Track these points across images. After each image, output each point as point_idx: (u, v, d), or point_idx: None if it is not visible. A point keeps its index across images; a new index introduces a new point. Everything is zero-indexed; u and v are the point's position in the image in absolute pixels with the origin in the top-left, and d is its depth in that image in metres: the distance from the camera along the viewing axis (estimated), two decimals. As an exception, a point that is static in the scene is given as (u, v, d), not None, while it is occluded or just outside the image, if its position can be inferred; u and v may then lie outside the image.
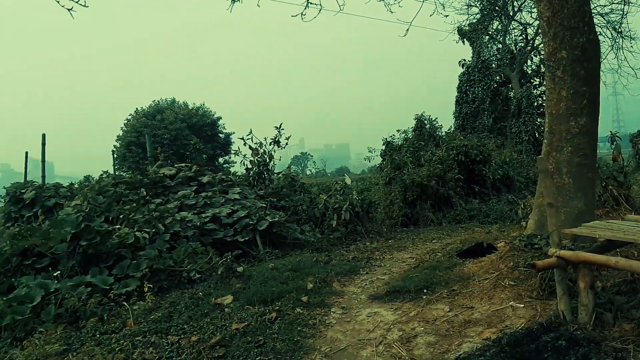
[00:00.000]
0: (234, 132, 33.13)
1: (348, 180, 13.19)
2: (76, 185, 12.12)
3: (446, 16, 28.24)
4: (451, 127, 20.35)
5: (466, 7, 21.01)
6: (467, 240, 7.86)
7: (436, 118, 17.49)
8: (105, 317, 5.29)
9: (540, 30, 8.43)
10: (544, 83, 6.43)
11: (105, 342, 4.60)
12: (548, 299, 4.52)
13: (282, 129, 11.03)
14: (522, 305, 4.57)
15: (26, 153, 16.16)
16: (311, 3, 8.36)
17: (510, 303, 4.66)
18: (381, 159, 14.54)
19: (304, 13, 8.52)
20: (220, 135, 33.12)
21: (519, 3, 25.56)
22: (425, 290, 5.45)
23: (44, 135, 15.04)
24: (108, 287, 5.93)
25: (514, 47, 26.64)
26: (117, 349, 4.39)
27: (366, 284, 6.21)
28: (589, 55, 5.78)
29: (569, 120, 5.79)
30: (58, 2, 6.12)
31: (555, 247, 3.99)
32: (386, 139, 14.92)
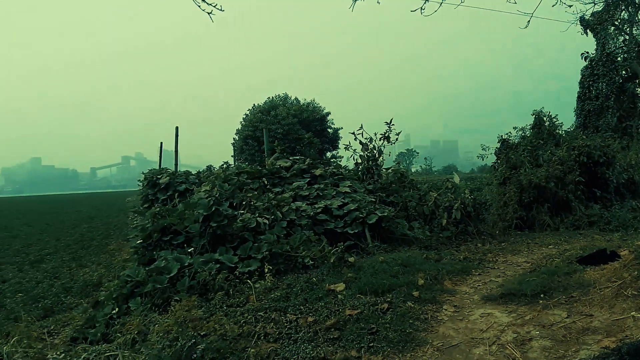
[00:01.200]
0: (342, 127, 33.91)
1: (456, 179, 12.85)
2: (203, 174, 13.42)
3: (570, 6, 25.81)
4: (572, 125, 18.70)
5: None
6: (587, 247, 7.39)
7: (556, 115, 16.20)
8: (231, 292, 5.87)
9: None
10: None
11: (232, 314, 5.13)
12: None
13: (393, 125, 11.10)
14: None
15: (161, 143, 18.20)
16: (427, -3, 8.23)
17: (632, 313, 4.37)
18: (495, 158, 13.91)
19: (423, 7, 8.40)
20: (329, 130, 34.08)
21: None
22: (542, 295, 5.24)
23: (177, 128, 16.78)
24: (233, 265, 6.55)
25: (643, 39, 23.64)
26: (242, 321, 4.88)
27: (479, 285, 6.12)
28: None
29: None
30: (199, 6, 6.83)
31: None
32: (502, 136, 14.21)
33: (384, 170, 11.19)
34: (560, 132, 15.86)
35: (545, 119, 15.84)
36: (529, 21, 10.79)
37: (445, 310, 5.16)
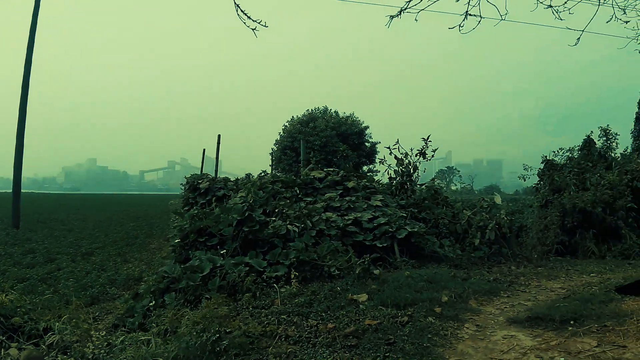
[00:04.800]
0: (379, 142, 33.87)
1: (498, 200, 12.51)
2: (240, 181, 13.85)
3: (627, 22, 24.62)
4: (627, 147, 17.80)
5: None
6: (631, 277, 6.97)
7: (617, 134, 15.39)
8: (258, 294, 6.11)
9: None
10: None
11: (256, 315, 5.37)
12: None
13: (430, 141, 11.01)
14: None
15: (204, 150, 18.82)
16: (470, 14, 8.17)
17: None
18: (538, 179, 13.45)
19: (462, 25, 8.34)
20: (367, 144, 34.17)
21: None
22: (572, 322, 4.99)
23: (219, 136, 17.34)
24: (262, 270, 6.79)
25: None
26: (265, 322, 5.10)
27: (506, 307, 5.92)
28: None
29: None
30: (244, 22, 7.11)
31: None
32: (546, 156, 13.73)
33: (418, 186, 11.09)
34: (614, 154, 15.14)
35: (598, 139, 15.11)
36: (578, 38, 10.43)
37: (467, 328, 5.03)
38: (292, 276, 6.46)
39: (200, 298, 6.05)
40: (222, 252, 7.13)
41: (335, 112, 35.59)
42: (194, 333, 4.62)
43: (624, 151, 15.47)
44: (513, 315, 5.49)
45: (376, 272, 6.54)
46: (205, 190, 13.09)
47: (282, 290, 6.18)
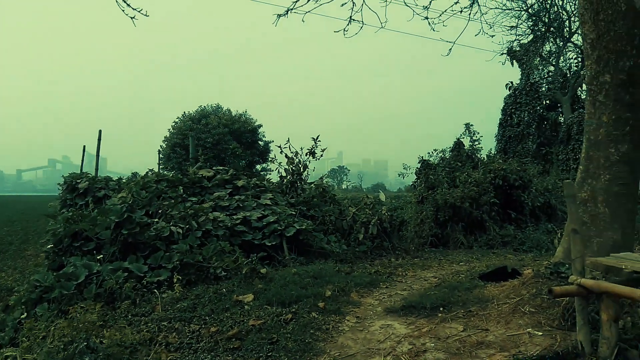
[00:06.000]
0: (273, 141, 34.03)
1: (382, 197, 13.25)
2: (124, 180, 13.00)
3: (492, 36, 27.78)
4: (491, 149, 20.05)
5: (514, 27, 20.54)
6: (493, 265, 7.74)
7: (480, 137, 17.17)
8: (138, 301, 5.79)
9: (583, 53, 8.07)
10: (585, 108, 6.17)
11: (136, 323, 5.09)
12: (570, 329, 4.38)
13: (319, 141, 11.33)
14: (541, 333, 4.48)
15: (84, 147, 17.27)
16: (353, 20, 8.57)
17: (528, 330, 4.58)
18: (416, 177, 14.53)
19: (346, 29, 8.72)
20: (260, 142, 34.14)
21: (577, 24, 24.66)
22: (441, 309, 5.44)
23: (100, 131, 16.05)
24: (142, 275, 6.45)
25: (567, 70, 25.82)
26: (144, 330, 4.85)
27: (384, 297, 6.29)
28: (635, 80, 5.48)
29: (609, 147, 5.56)
30: (123, 10, 6.66)
31: (576, 275, 3.87)
32: (422, 157, 14.90)
33: (308, 184, 11.35)
34: (479, 155, 16.89)
35: (466, 140, 16.78)
36: (450, 49, 11.48)
37: (348, 321, 5.25)
38: (175, 280, 6.25)
39: (77, 308, 5.62)
40: (99, 257, 6.67)
41: (228, 109, 35.02)
42: (61, 345, 4.31)
43: (488, 152, 17.35)
44: (390, 305, 5.83)
45: (263, 270, 6.56)
46: (84, 190, 12.06)
47: (164, 295, 5.96)
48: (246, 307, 5.46)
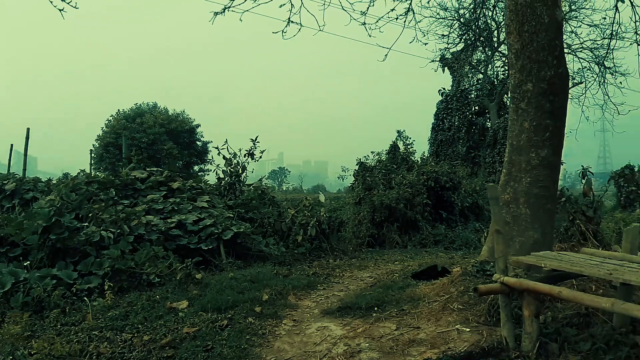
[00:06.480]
0: (211, 141, 33.29)
1: (322, 198, 13.41)
2: (54, 181, 12.21)
3: (425, 44, 29.01)
4: (424, 152, 20.90)
5: (446, 35, 21.51)
6: (425, 264, 8.02)
7: (413, 140, 17.88)
8: (67, 310, 5.55)
9: (508, 62, 8.51)
10: (508, 114, 6.43)
11: (65, 333, 4.88)
12: (495, 325, 4.54)
13: (258, 142, 11.25)
14: (468, 330, 4.64)
15: (11, 145, 16.02)
16: (292, 21, 8.59)
17: (457, 326, 4.73)
18: (354, 179, 14.82)
19: (285, 30, 8.71)
20: (198, 143, 33.30)
21: (504, 35, 25.95)
22: (376, 308, 5.58)
23: (28, 129, 14.99)
24: (72, 282, 6.16)
25: (495, 79, 27.29)
26: (75, 340, 4.64)
27: (321, 299, 6.37)
28: (556, 89, 5.75)
29: (530, 152, 5.80)
30: (51, 2, 6.26)
31: (500, 273, 4.04)
32: (360, 159, 15.23)
33: (247, 186, 11.24)
34: (414, 158, 17.55)
35: (401, 144, 17.40)
36: (386, 55, 11.78)
37: (285, 324, 5.28)
38: (107, 287, 6.03)
39: (4, 318, 5.34)
40: (26, 264, 6.29)
41: (165, 108, 33.85)
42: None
43: (422, 155, 18.04)
44: (327, 307, 5.92)
45: (198, 276, 6.43)
46: (11, 192, 11.18)
47: (95, 303, 5.75)
48: (180, 314, 5.35)
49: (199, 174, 31.09)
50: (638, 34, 9.06)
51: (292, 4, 8.53)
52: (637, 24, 8.88)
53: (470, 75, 26.96)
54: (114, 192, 8.95)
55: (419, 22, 27.08)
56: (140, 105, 33.52)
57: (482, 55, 26.61)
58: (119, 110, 32.65)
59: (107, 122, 31.71)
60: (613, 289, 4.48)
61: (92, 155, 25.07)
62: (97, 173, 20.12)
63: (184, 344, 4.57)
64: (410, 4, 9.58)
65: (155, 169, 10.69)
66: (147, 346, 4.56)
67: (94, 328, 4.98)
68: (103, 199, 8.57)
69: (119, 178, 9.71)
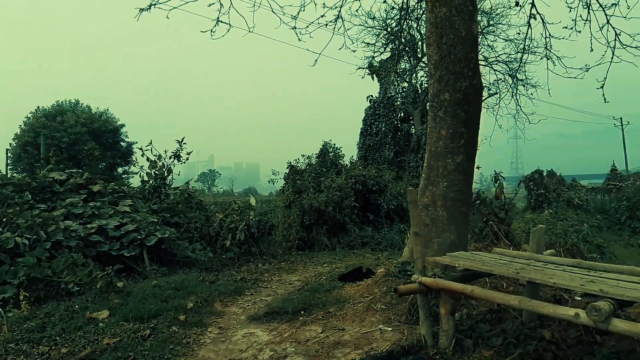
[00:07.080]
0: (136, 142, 31.87)
1: (253, 201, 13.34)
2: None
3: (354, 51, 29.84)
4: (353, 156, 21.42)
5: (372, 44, 22.25)
6: (353, 265, 8.22)
7: (340, 147, 18.35)
8: None
9: (427, 72, 8.93)
10: (428, 122, 6.74)
11: None
12: (416, 323, 4.70)
13: (184, 143, 10.99)
14: (390, 329, 4.83)
15: None
16: (221, 21, 8.49)
17: (380, 326, 4.91)
18: (284, 182, 14.91)
19: (213, 30, 8.57)
20: (122, 143, 31.83)
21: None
22: (302, 312, 5.66)
23: None
24: None
25: (418, 87, 28.56)
26: None
27: (248, 305, 6.39)
28: (470, 99, 6.01)
29: (446, 158, 6.09)
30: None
31: (418, 274, 4.23)
32: (290, 162, 15.33)
33: (173, 189, 10.94)
34: (343, 162, 17.99)
35: (330, 149, 17.78)
36: (316, 60, 11.93)
37: (210, 332, 5.26)
38: (22, 297, 5.79)
39: None
40: None
41: (87, 106, 31.98)
42: None
43: (350, 159, 18.51)
44: (254, 313, 5.95)
45: (120, 284, 6.24)
46: None
47: (10, 314, 5.55)
48: (101, 324, 5.19)
49: (123, 176, 29.69)
50: (548, 49, 9.88)
51: (221, 4, 8.40)
52: (547, 39, 9.71)
53: (396, 83, 28.00)
54: (29, 195, 8.42)
55: (349, 29, 27.76)
56: (61, 102, 31.48)
57: (407, 65, 27.75)
58: (38, 107, 30.52)
59: (25, 119, 29.57)
60: (522, 286, 4.74)
61: (9, 155, 23.25)
62: (14, 174, 18.66)
63: (104, 356, 4.43)
64: (340, 11, 9.80)
65: (75, 170, 10.13)
66: (65, 359, 4.42)
67: (10, 340, 4.80)
68: (18, 203, 8.09)
69: (35, 180, 9.11)
